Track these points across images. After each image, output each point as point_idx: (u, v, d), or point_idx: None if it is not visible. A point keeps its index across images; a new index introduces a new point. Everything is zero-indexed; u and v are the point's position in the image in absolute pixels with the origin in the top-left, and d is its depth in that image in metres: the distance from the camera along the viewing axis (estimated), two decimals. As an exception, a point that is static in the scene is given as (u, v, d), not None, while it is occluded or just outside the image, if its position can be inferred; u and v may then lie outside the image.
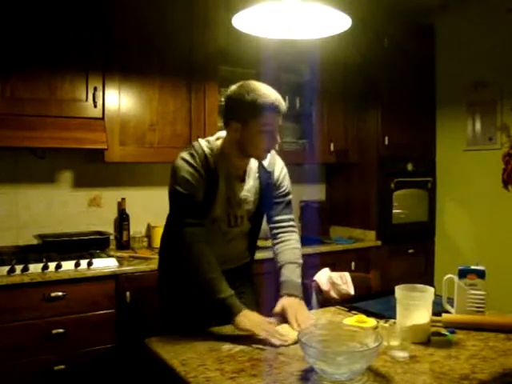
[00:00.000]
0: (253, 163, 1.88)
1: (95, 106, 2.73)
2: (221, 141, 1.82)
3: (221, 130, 1.90)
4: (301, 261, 1.91)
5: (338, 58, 3.54)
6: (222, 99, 3.23)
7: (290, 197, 1.99)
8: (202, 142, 1.80)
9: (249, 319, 1.60)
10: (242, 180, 1.85)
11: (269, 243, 3.23)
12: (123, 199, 3.12)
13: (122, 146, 2.84)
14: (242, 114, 1.70)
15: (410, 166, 3.73)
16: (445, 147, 3.83)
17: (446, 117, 3.82)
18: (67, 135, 2.62)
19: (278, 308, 1.73)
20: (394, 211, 3.65)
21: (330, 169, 3.99)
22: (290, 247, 1.91)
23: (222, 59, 3.12)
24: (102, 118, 2.76)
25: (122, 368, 2.55)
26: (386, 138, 3.59)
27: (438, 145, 3.88)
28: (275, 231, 1.96)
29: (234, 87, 1.75)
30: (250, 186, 1.86)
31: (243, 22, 1.75)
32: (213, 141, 1.82)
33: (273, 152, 1.92)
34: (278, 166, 1.96)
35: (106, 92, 2.77)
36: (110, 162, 2.84)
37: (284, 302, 1.73)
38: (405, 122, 3.70)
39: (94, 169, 3.06)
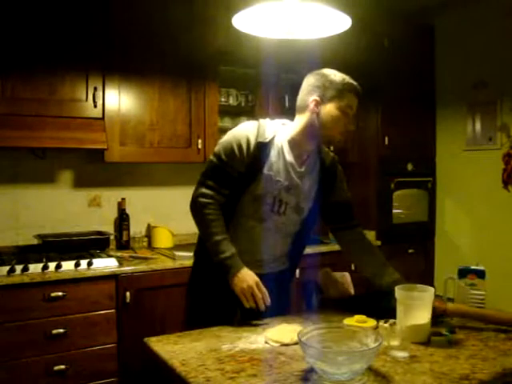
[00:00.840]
0: (315, 156, 1.85)
1: (95, 106, 2.73)
2: (286, 126, 1.80)
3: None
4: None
5: (337, 58, 3.53)
6: (223, 99, 3.25)
7: (350, 202, 1.98)
8: (268, 120, 1.80)
9: (242, 281, 1.66)
10: (300, 167, 1.79)
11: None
12: (123, 199, 3.12)
13: (122, 146, 2.84)
14: (328, 91, 1.72)
15: (410, 166, 3.73)
16: (445, 147, 3.83)
17: (445, 117, 3.82)
18: (67, 135, 2.62)
19: None
20: (393, 211, 3.65)
21: (330, 169, 3.99)
22: (372, 249, 1.94)
23: (222, 59, 3.12)
24: (102, 118, 2.76)
25: (122, 368, 2.55)
26: (386, 138, 3.59)
27: (438, 145, 3.88)
28: (349, 237, 1.95)
29: (314, 71, 1.77)
30: (307, 175, 1.81)
31: (243, 21, 1.75)
32: (277, 122, 1.81)
33: (334, 157, 1.95)
34: (339, 168, 1.96)
35: (106, 92, 2.77)
36: (110, 161, 2.84)
37: None
38: (405, 122, 3.70)
39: (93, 169, 3.06)
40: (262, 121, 1.78)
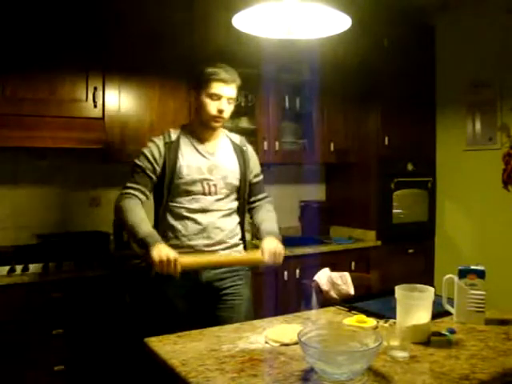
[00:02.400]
0: (222, 138, 2.12)
1: (95, 106, 2.73)
2: (187, 124, 2.12)
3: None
4: (275, 216, 2.16)
5: (338, 57, 3.54)
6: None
7: (261, 177, 2.22)
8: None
9: (157, 252, 1.77)
10: (210, 149, 2.06)
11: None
12: (123, 199, 3.11)
13: (122, 145, 2.84)
14: (199, 81, 2.00)
15: (410, 166, 3.73)
16: (445, 147, 3.83)
17: (446, 117, 3.82)
18: (67, 135, 2.63)
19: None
20: (393, 211, 3.65)
21: (329, 169, 3.99)
22: (265, 209, 2.16)
23: (221, 59, 3.11)
24: (102, 118, 2.76)
25: (122, 368, 2.55)
26: (386, 138, 3.59)
27: (438, 145, 3.88)
28: (253, 205, 2.18)
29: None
30: (222, 155, 2.06)
31: (243, 21, 1.75)
32: (179, 127, 2.10)
33: (242, 138, 2.18)
34: (249, 147, 2.19)
35: (106, 92, 2.77)
36: (110, 161, 2.84)
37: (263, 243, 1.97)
38: (405, 122, 3.70)
39: (93, 169, 3.06)
40: (165, 131, 2.07)
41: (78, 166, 3.03)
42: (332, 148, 3.59)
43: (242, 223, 2.16)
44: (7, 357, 2.29)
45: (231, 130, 2.28)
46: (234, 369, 1.34)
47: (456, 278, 1.75)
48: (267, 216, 2.13)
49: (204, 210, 2.00)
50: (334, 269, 2.32)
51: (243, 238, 2.18)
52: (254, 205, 2.19)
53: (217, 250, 2.02)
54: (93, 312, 2.51)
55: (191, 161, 1.99)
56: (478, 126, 3.58)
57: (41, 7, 2.58)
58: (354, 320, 1.68)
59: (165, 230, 2.01)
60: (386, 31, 3.57)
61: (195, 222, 1.99)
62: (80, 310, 2.47)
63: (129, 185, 1.98)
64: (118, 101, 2.82)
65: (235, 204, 2.11)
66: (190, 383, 1.28)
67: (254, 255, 1.94)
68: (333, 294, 2.21)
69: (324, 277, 2.26)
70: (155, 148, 1.99)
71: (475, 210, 3.61)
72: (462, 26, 3.63)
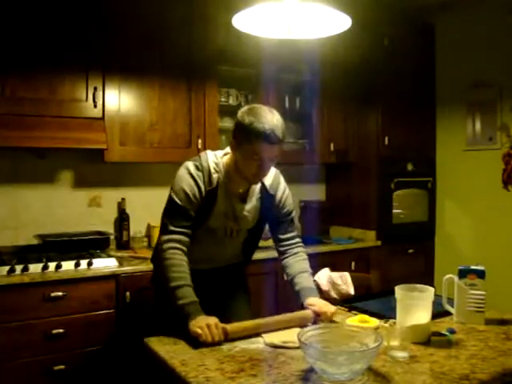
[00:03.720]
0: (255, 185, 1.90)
1: (95, 106, 2.73)
2: (228, 157, 1.85)
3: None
4: (310, 270, 1.97)
5: (337, 57, 3.53)
6: (223, 99, 3.25)
7: (293, 214, 2.03)
8: (210, 157, 1.84)
9: (196, 321, 1.56)
10: (243, 199, 1.88)
11: (268, 243, 3.23)
12: (123, 199, 3.12)
13: (122, 145, 2.84)
14: (238, 135, 1.74)
15: (410, 166, 3.73)
16: (445, 147, 3.83)
17: (445, 117, 3.82)
18: (67, 135, 2.62)
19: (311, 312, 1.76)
20: (393, 211, 3.65)
21: (329, 169, 3.99)
22: (297, 259, 1.97)
23: (221, 59, 3.12)
24: (102, 118, 2.76)
25: (122, 368, 2.55)
26: (386, 138, 3.59)
27: (438, 145, 3.88)
28: (282, 249, 2.01)
29: (245, 107, 1.78)
30: (250, 207, 1.90)
31: (243, 21, 1.75)
32: (220, 156, 1.85)
33: (277, 172, 1.96)
34: (280, 189, 1.96)
35: (106, 92, 2.77)
36: (110, 161, 2.84)
37: (310, 303, 1.79)
38: (405, 122, 3.70)
39: (93, 169, 3.06)
40: (204, 161, 1.81)
41: (78, 166, 3.03)
42: (332, 148, 3.59)
43: (249, 249, 2.06)
44: (7, 357, 2.29)
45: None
46: (234, 369, 1.34)
47: (456, 278, 1.75)
48: (301, 267, 1.96)
49: (215, 245, 1.92)
50: (334, 269, 2.32)
51: (249, 255, 2.10)
52: (283, 247, 2.01)
53: (215, 268, 1.98)
54: (93, 311, 2.50)
55: (221, 208, 1.84)
56: (477, 125, 3.58)
57: (41, 7, 2.58)
58: (357, 320, 1.68)
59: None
60: (386, 31, 3.57)
61: (203, 251, 1.89)
62: (80, 309, 2.46)
63: (172, 228, 1.76)
64: (118, 101, 2.82)
65: (247, 235, 1.99)
66: (189, 383, 1.28)
67: (304, 314, 1.76)
68: (333, 293, 2.21)
69: (324, 277, 2.26)
70: (197, 191, 1.78)
71: (475, 210, 3.61)
72: (462, 25, 3.63)
